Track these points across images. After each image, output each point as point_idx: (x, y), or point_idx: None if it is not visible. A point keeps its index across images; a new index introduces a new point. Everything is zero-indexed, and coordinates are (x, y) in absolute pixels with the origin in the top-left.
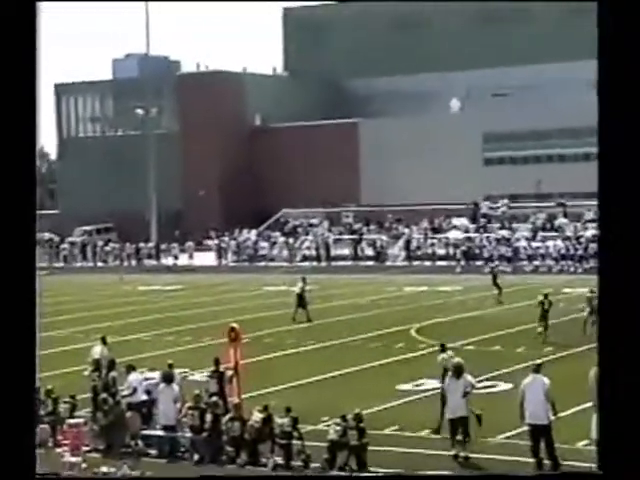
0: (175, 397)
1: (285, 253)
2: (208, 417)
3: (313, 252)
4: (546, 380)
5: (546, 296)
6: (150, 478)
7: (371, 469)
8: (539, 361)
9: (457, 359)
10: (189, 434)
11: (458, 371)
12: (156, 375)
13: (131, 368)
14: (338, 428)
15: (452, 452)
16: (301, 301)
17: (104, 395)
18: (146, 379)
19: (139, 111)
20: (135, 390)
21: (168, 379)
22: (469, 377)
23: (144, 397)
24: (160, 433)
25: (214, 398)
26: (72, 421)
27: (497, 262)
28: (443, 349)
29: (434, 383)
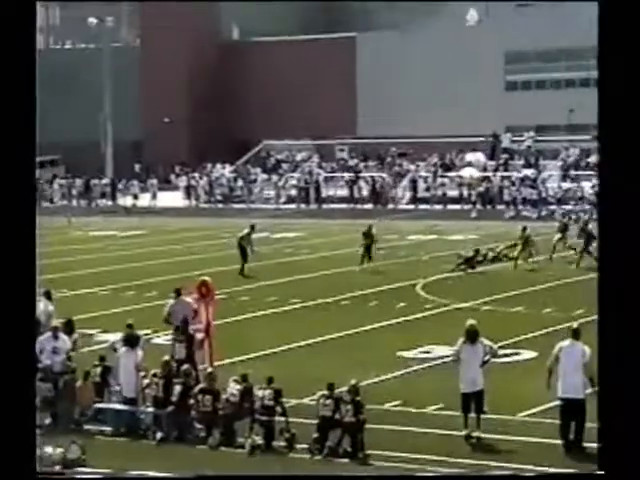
0: (138, 364)
1: (267, 193)
2: (176, 388)
3: (300, 193)
4: (587, 349)
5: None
6: (152, 478)
7: (368, 451)
8: (576, 324)
9: (470, 321)
10: (150, 408)
11: (472, 335)
12: (111, 337)
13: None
14: (329, 402)
15: (464, 432)
16: (243, 252)
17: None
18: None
19: (92, 20)
20: (41, 352)
21: (131, 342)
22: (487, 341)
23: (48, 361)
24: (118, 407)
25: (185, 366)
26: None
27: (521, 206)
28: None
29: (443, 350)
